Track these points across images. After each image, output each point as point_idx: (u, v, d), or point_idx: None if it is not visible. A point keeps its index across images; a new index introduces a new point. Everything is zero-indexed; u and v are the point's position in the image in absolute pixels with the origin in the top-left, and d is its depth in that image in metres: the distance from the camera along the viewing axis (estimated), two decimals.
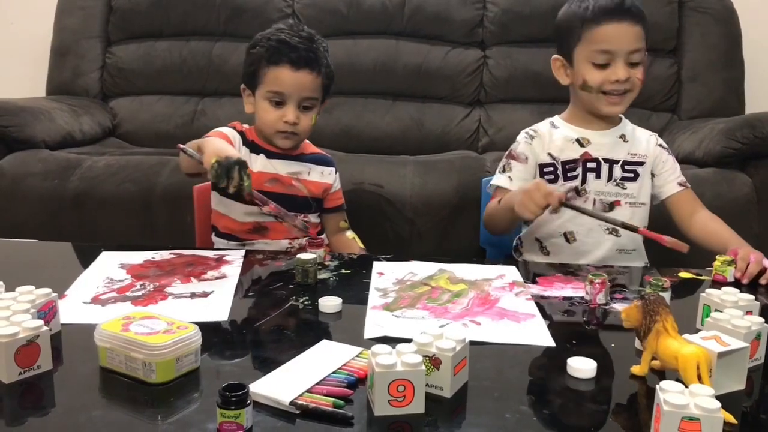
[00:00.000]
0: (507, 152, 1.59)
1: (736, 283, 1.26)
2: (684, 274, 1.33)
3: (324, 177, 1.65)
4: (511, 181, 1.54)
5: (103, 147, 2.76)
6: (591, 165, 1.52)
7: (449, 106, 2.91)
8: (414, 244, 2.24)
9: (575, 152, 1.53)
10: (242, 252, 1.40)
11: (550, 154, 1.54)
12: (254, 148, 1.59)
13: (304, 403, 0.80)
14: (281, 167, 1.60)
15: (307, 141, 1.66)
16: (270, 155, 1.59)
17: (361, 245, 1.67)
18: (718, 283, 1.26)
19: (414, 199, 2.24)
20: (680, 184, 1.56)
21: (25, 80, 3.13)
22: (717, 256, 1.30)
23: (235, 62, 2.97)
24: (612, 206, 1.52)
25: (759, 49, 2.88)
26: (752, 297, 1.05)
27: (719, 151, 2.24)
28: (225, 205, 1.57)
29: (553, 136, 1.56)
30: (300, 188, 1.61)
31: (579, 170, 1.52)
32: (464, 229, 2.18)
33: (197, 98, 3.01)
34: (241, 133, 1.60)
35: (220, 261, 1.35)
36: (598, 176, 1.52)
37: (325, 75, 1.58)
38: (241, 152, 1.55)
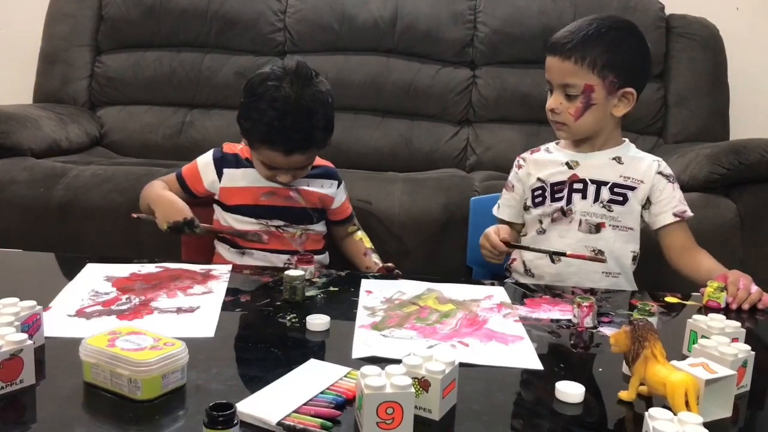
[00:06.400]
0: None
1: (725, 309, 1.27)
2: (670, 299, 1.34)
3: (324, 188, 1.66)
4: (499, 208, 1.67)
5: (90, 156, 2.73)
6: (577, 186, 1.54)
7: (438, 124, 2.92)
8: (401, 261, 2.23)
9: (564, 175, 1.56)
10: (229, 267, 1.40)
11: (539, 179, 1.58)
12: (251, 164, 1.60)
13: (292, 423, 0.79)
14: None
15: None
16: None
17: (369, 245, 1.71)
18: (711, 310, 1.26)
19: (402, 217, 2.24)
20: (675, 215, 1.51)
21: (12, 87, 3.10)
22: (708, 282, 1.31)
23: (226, 74, 2.97)
24: (598, 228, 1.52)
25: (744, 75, 2.92)
26: (738, 324, 1.05)
27: (704, 176, 2.26)
28: (222, 216, 1.62)
29: (545, 160, 1.61)
30: (298, 199, 1.61)
31: (565, 191, 1.54)
32: (451, 248, 2.18)
33: (186, 109, 3.00)
34: (235, 155, 1.62)
35: (206, 276, 1.34)
36: (584, 197, 1.53)
37: (322, 146, 1.54)
38: (209, 179, 1.61)
